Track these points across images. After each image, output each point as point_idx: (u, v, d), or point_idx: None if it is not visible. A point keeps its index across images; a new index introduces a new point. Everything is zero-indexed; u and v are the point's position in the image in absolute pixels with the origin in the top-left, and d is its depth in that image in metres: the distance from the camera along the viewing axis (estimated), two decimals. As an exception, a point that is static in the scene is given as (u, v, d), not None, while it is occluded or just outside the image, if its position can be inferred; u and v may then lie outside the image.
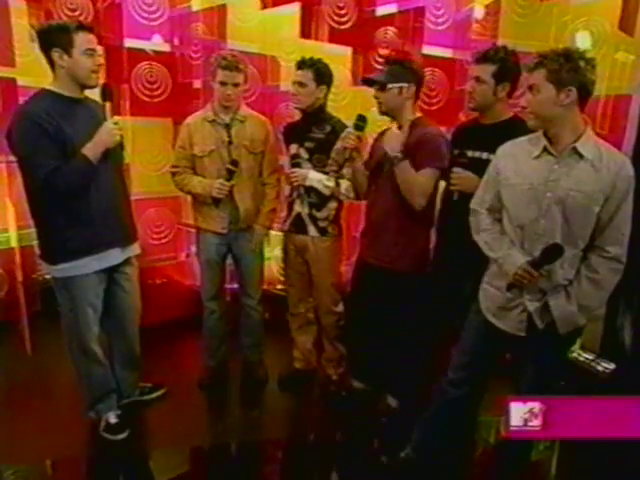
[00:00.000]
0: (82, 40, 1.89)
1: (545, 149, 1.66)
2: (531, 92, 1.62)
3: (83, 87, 1.99)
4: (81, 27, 1.91)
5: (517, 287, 1.71)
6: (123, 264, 2.24)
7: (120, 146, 2.12)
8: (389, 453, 2.17)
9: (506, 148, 1.78)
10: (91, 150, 1.93)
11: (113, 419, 2.31)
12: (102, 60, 2.02)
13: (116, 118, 2.03)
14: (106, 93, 2.01)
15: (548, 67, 1.57)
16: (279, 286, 3.34)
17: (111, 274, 2.22)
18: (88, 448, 2.30)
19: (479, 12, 2.88)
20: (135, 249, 2.32)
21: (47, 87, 1.95)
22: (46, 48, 1.89)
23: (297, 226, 2.57)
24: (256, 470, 2.35)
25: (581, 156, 1.61)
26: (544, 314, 1.71)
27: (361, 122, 2.18)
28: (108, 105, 2.00)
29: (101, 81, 2.06)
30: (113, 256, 2.16)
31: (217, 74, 2.35)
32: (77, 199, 1.98)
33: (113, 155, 2.06)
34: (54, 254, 2.05)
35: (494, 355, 1.93)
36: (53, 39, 1.88)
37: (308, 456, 2.44)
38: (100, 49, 2.01)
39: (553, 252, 1.61)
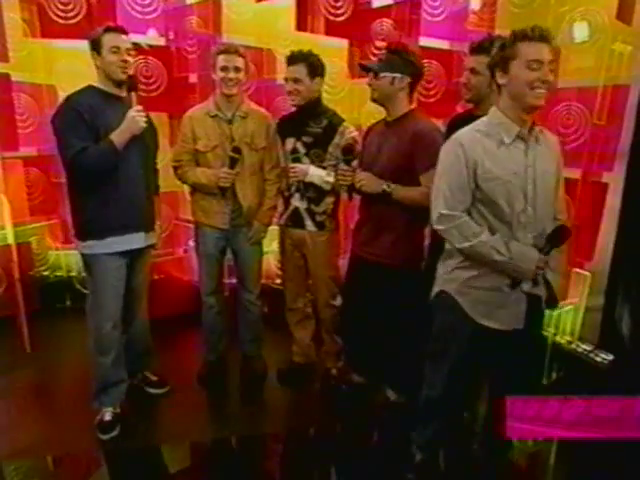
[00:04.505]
0: (107, 40, 2.11)
1: (518, 135, 1.64)
2: None
3: (115, 82, 2.17)
4: (108, 29, 2.14)
5: (521, 282, 1.67)
6: (143, 251, 2.34)
7: (154, 140, 2.34)
8: (389, 446, 2.18)
9: (469, 140, 1.66)
10: (117, 136, 2.10)
11: (108, 417, 2.31)
12: (130, 58, 2.17)
13: (139, 107, 2.16)
14: (131, 84, 2.20)
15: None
16: (278, 281, 3.34)
17: (130, 260, 2.30)
18: (87, 444, 2.29)
19: (476, 3, 2.88)
20: (155, 236, 2.45)
21: (91, 83, 2.19)
22: (91, 53, 2.16)
23: (294, 220, 2.56)
24: (256, 464, 2.35)
25: (537, 139, 1.68)
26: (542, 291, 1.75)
27: (349, 156, 2.26)
28: (133, 95, 2.19)
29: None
30: (136, 240, 2.27)
31: (217, 61, 2.35)
32: (106, 182, 2.14)
33: (141, 144, 2.21)
34: (82, 231, 2.21)
35: (485, 356, 1.86)
36: (92, 44, 2.14)
37: (308, 450, 2.44)
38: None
39: (560, 234, 1.66)
